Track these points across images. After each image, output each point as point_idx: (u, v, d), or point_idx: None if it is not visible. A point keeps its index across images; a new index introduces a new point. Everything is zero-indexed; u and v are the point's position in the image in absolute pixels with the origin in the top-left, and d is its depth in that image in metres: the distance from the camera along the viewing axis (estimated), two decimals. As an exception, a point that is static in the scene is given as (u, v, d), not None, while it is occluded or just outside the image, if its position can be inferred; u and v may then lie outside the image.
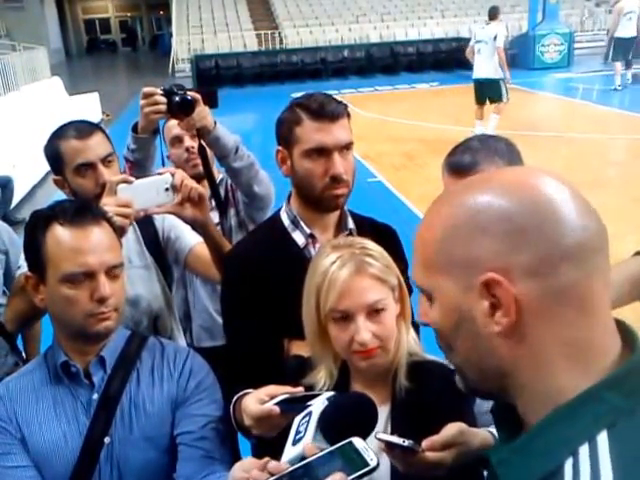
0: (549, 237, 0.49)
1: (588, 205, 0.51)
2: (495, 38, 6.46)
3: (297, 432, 0.69)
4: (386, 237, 1.14)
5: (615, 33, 9.15)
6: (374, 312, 0.90)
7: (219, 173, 1.72)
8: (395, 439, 0.77)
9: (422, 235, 0.56)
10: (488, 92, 6.56)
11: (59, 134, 1.33)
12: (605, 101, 8.82)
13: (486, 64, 6.52)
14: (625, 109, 7.96)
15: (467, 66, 13.30)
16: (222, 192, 1.67)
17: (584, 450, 0.47)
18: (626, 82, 9.35)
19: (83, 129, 1.32)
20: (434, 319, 0.56)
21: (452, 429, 0.80)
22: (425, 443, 0.78)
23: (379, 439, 0.78)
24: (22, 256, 1.17)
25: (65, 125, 1.35)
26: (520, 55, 12.81)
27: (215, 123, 1.41)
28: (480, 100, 6.69)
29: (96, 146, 1.30)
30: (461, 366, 0.56)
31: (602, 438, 0.47)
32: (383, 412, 0.91)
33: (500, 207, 0.51)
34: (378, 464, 0.60)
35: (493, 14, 6.71)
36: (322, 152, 1.08)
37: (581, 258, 0.49)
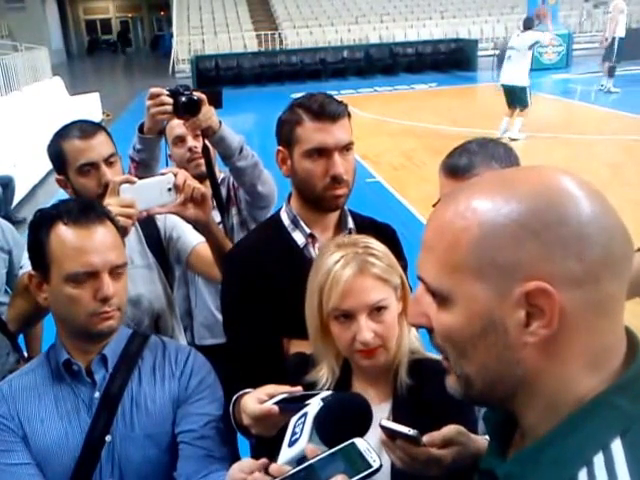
0: (599, 246, 0.46)
1: (618, 215, 0.49)
2: (530, 47, 6.58)
3: (293, 433, 0.69)
4: (386, 236, 1.14)
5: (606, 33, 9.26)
6: (376, 311, 0.90)
7: (221, 172, 1.73)
8: (400, 427, 0.76)
9: (447, 233, 0.50)
10: (513, 98, 6.64)
11: (62, 134, 1.33)
12: (604, 102, 8.83)
13: (514, 71, 6.58)
14: (624, 110, 7.96)
15: (466, 67, 13.34)
16: (224, 191, 1.67)
17: (599, 459, 0.46)
18: (607, 89, 9.24)
19: (86, 129, 1.33)
20: (448, 324, 0.51)
21: (453, 427, 0.80)
22: (426, 438, 0.78)
23: (382, 427, 0.77)
24: (25, 255, 1.17)
25: (68, 125, 1.36)
26: (519, 56, 12.82)
27: (220, 123, 1.42)
28: (509, 102, 6.77)
29: (99, 146, 1.31)
30: (472, 375, 0.52)
31: (616, 446, 0.46)
32: (384, 409, 0.92)
33: (547, 211, 0.46)
34: (381, 465, 0.60)
35: (528, 25, 6.78)
36: (322, 152, 1.09)
37: (622, 269, 0.48)
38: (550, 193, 0.47)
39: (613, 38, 9.07)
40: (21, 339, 1.57)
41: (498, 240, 0.47)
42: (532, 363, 0.49)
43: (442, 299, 0.51)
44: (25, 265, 1.29)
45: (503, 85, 6.80)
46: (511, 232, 0.47)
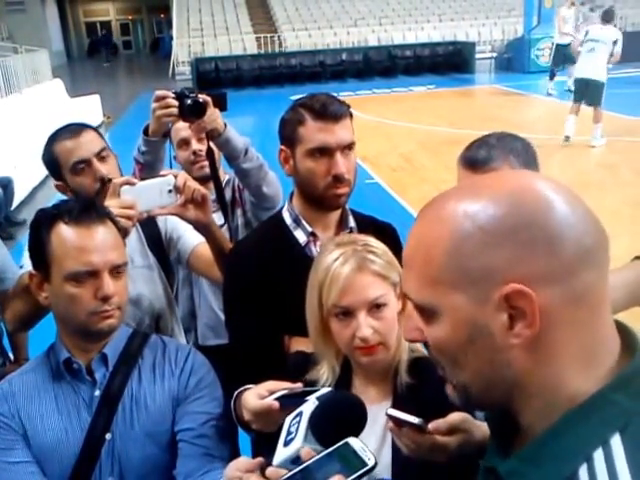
0: (570, 240, 0.47)
1: (588, 207, 0.51)
2: (615, 42, 6.21)
3: (288, 433, 0.69)
4: (386, 235, 1.15)
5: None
6: (375, 308, 0.91)
7: (225, 174, 1.73)
8: (406, 416, 0.78)
9: (422, 248, 0.52)
10: (590, 93, 6.21)
11: (53, 139, 1.35)
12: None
13: (597, 65, 6.19)
14: (619, 112, 7.98)
15: (464, 69, 13.36)
16: (229, 192, 1.68)
17: (598, 455, 0.46)
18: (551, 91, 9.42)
19: (74, 129, 1.34)
20: (437, 336, 0.53)
21: (457, 415, 0.81)
22: (432, 425, 0.79)
23: (389, 415, 0.78)
24: (26, 255, 1.18)
25: (57, 130, 1.37)
26: (516, 59, 12.90)
27: (225, 125, 1.43)
28: (578, 99, 6.40)
29: (88, 142, 1.32)
30: (467, 382, 0.53)
31: (615, 441, 0.46)
32: (384, 407, 0.91)
33: (513, 214, 0.48)
34: (376, 463, 0.60)
35: (610, 17, 6.41)
36: (324, 152, 1.10)
37: (597, 258, 0.48)
38: (514, 196, 0.49)
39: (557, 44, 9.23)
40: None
41: (468, 249, 0.49)
42: (522, 364, 0.50)
43: (427, 313, 0.53)
44: (26, 264, 1.30)
45: (582, 79, 6.25)
46: (479, 240, 0.48)
